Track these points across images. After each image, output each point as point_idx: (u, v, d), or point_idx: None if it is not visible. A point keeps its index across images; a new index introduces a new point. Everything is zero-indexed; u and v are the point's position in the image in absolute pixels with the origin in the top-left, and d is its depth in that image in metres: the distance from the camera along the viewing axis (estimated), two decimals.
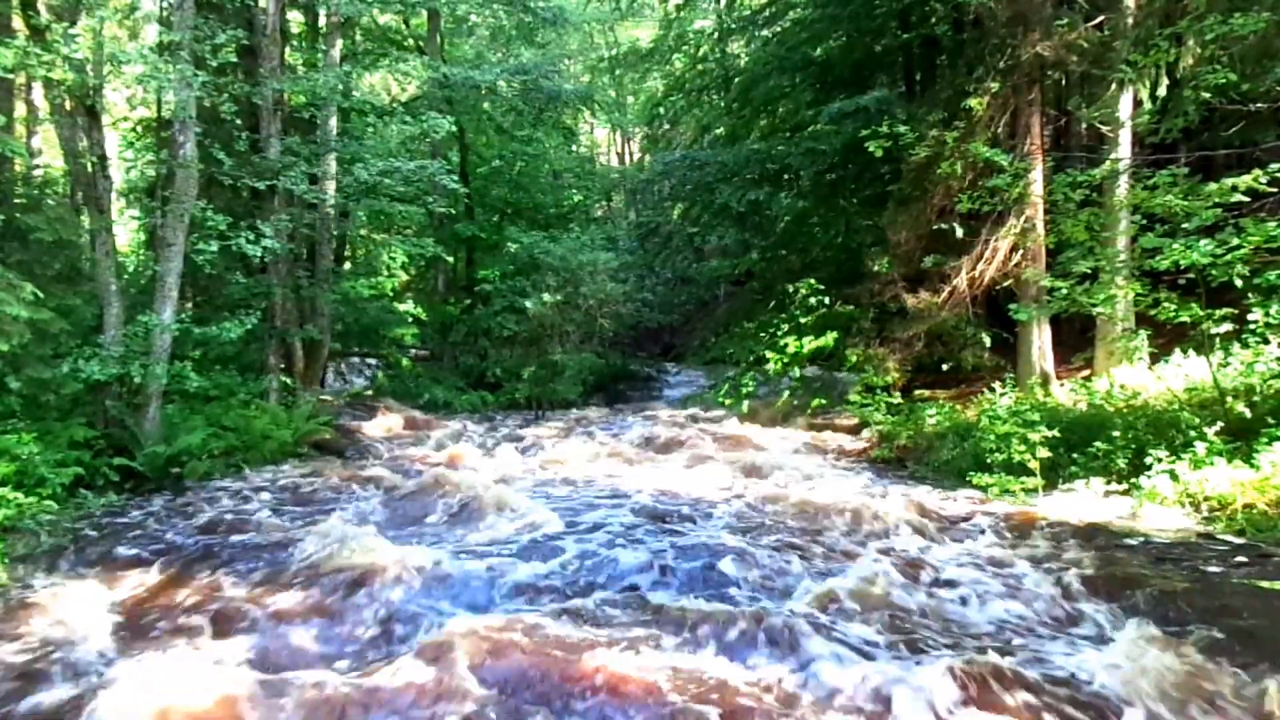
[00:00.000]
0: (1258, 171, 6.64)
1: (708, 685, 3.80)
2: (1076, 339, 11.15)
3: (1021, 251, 10.21)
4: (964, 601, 4.80)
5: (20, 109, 13.85)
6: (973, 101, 10.18)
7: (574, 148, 25.33)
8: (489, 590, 5.25)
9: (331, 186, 12.31)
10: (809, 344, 12.92)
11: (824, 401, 12.77)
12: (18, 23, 8.38)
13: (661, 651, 4.12)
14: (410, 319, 19.60)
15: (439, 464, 9.85)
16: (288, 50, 13.54)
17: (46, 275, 8.40)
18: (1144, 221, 7.71)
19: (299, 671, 4.05)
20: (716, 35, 24.17)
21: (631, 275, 20.31)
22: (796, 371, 13.31)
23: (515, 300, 16.19)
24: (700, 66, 24.72)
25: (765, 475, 8.92)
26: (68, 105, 8.79)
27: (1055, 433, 7.47)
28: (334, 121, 12.78)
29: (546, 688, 3.76)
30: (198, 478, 8.70)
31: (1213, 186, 6.93)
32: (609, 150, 35.71)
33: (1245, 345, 7.50)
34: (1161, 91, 8.62)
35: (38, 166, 13.25)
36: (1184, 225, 7.06)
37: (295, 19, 15.29)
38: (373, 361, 18.58)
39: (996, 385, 9.91)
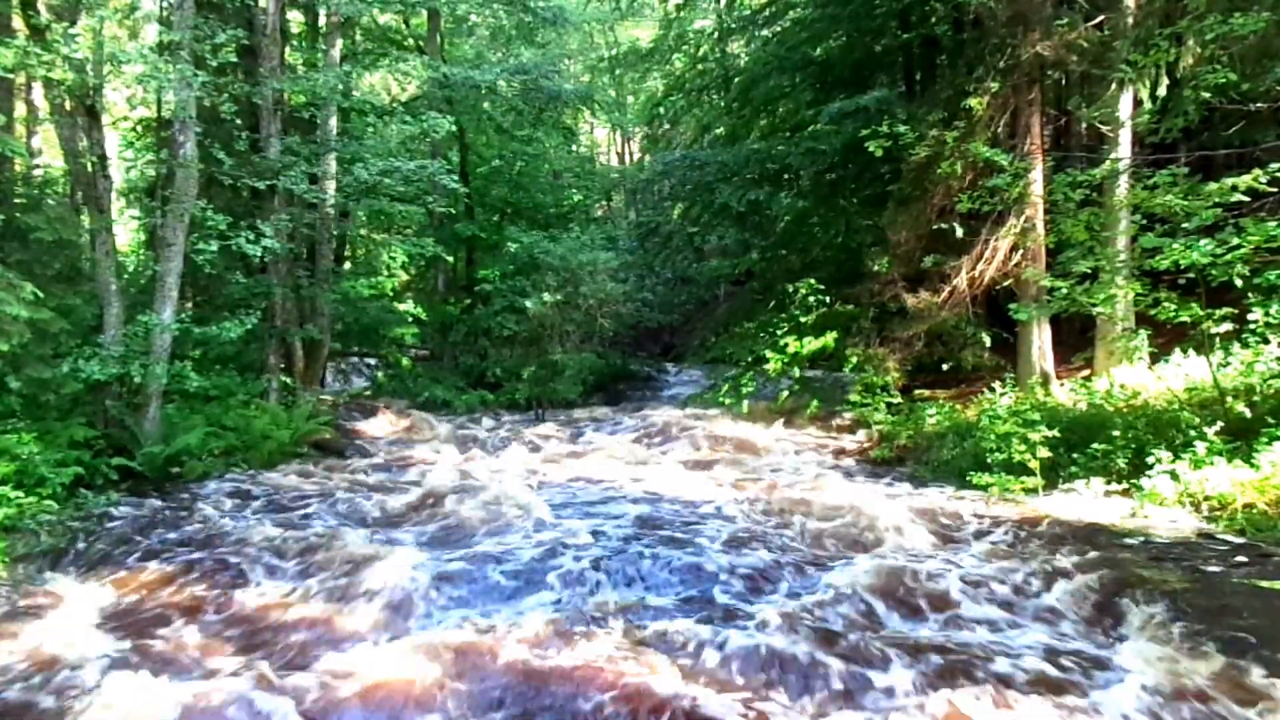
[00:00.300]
0: (1258, 171, 6.63)
1: (708, 685, 3.80)
2: (1076, 339, 11.15)
3: (1021, 251, 10.21)
4: (963, 601, 4.80)
5: (20, 109, 13.84)
6: (973, 101, 10.18)
7: (574, 148, 25.31)
8: (488, 590, 5.25)
9: (331, 186, 12.31)
10: (809, 344, 12.91)
11: (823, 401, 12.76)
12: (18, 23, 8.37)
13: (661, 652, 4.12)
14: (410, 319, 19.59)
15: (438, 464, 9.85)
16: (288, 50, 13.53)
17: (46, 275, 8.39)
18: (1144, 221, 7.71)
19: (298, 671, 4.05)
20: (716, 35, 24.16)
21: (631, 275, 20.28)
22: (796, 371, 13.30)
23: (515, 300, 16.17)
24: (700, 66, 24.70)
25: (765, 475, 8.92)
26: (68, 105, 8.79)
27: (1055, 433, 7.47)
28: (334, 121, 12.78)
29: (546, 688, 3.76)
30: (197, 477, 8.71)
31: (1213, 186, 6.93)
32: (609, 150, 35.70)
33: (1245, 345, 7.49)
34: (1161, 91, 8.62)
35: (38, 166, 13.25)
36: (1184, 225, 7.06)
37: (295, 19, 15.29)
38: (372, 361, 18.57)
39: (996, 385, 9.92)
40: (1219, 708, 3.53)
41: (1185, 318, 7.10)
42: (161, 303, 9.09)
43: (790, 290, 13.71)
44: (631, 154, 33.78)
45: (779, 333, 13.33)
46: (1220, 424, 6.74)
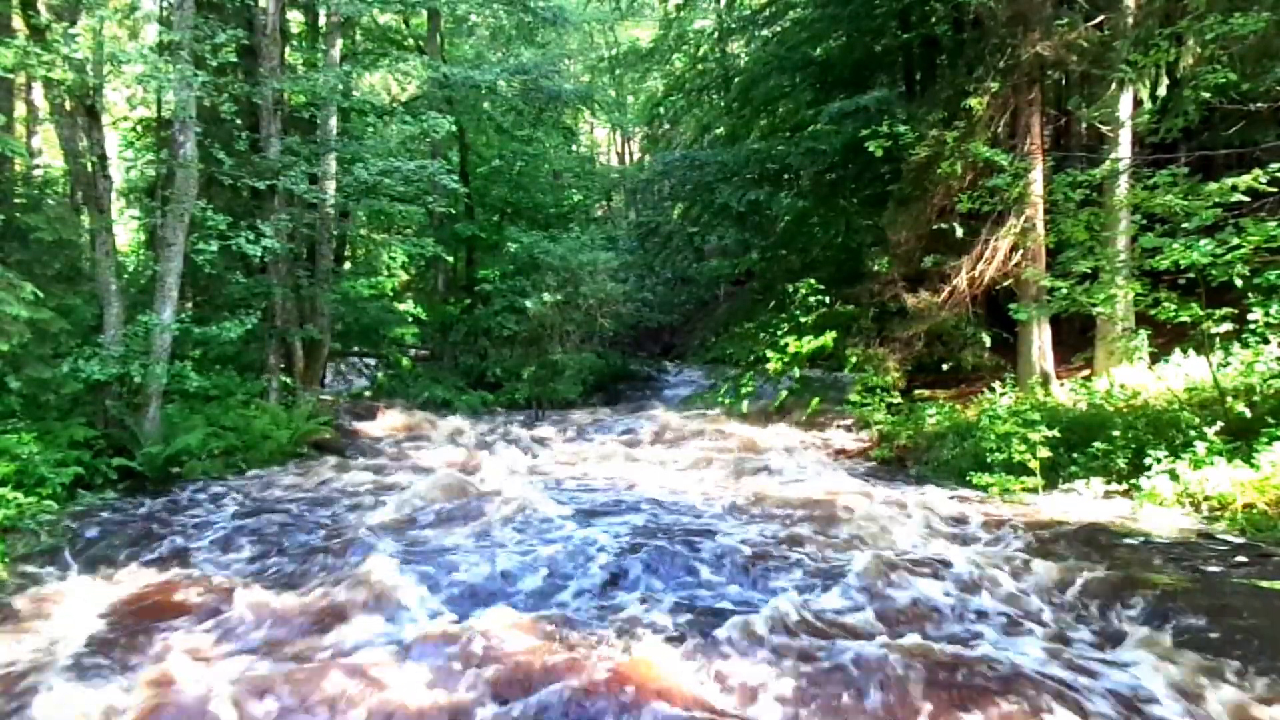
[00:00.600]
0: (1258, 171, 6.64)
1: (709, 686, 3.80)
2: (1076, 339, 11.15)
3: (1021, 251, 10.21)
4: (963, 601, 4.80)
5: (20, 109, 13.85)
6: (973, 101, 10.18)
7: (574, 148, 25.29)
8: (488, 591, 5.25)
9: (331, 186, 12.31)
10: (809, 344, 12.91)
11: (824, 401, 12.76)
12: (18, 23, 8.38)
13: (662, 652, 4.12)
14: (410, 319, 19.57)
15: (438, 464, 9.85)
16: (288, 50, 13.53)
17: (46, 275, 8.40)
18: (1144, 221, 7.71)
19: (297, 672, 4.04)
20: (716, 35, 24.16)
21: (631, 275, 20.29)
22: (796, 371, 13.30)
23: (515, 300, 16.17)
24: (700, 66, 24.70)
25: (765, 475, 8.92)
26: (68, 105, 8.79)
27: (1055, 432, 7.47)
28: (334, 121, 12.77)
29: (546, 688, 3.76)
30: (197, 477, 8.71)
31: (1213, 186, 6.93)
32: (609, 150, 35.70)
33: (1245, 345, 7.50)
34: (1161, 91, 8.62)
35: (38, 166, 13.25)
36: (1184, 225, 7.06)
37: (295, 19, 15.28)
38: (372, 361, 18.57)
39: (996, 385, 9.92)
40: (1219, 708, 3.53)
41: (1185, 318, 7.10)
42: (161, 303, 9.09)
43: (790, 290, 13.71)
44: (631, 154, 33.78)
45: (779, 333, 13.33)
46: (1220, 424, 6.75)
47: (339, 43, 13.10)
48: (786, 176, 18.03)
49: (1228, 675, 3.69)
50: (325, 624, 4.75)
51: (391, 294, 20.09)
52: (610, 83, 29.48)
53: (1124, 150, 9.52)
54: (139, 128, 15.19)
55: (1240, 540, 5.58)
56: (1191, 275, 7.01)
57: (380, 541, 6.22)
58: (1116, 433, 7.31)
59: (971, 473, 7.83)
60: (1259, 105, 8.47)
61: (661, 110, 26.03)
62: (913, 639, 4.24)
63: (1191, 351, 8.53)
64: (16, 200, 9.07)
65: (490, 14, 17.71)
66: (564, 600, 5.10)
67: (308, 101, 13.40)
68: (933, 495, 7.61)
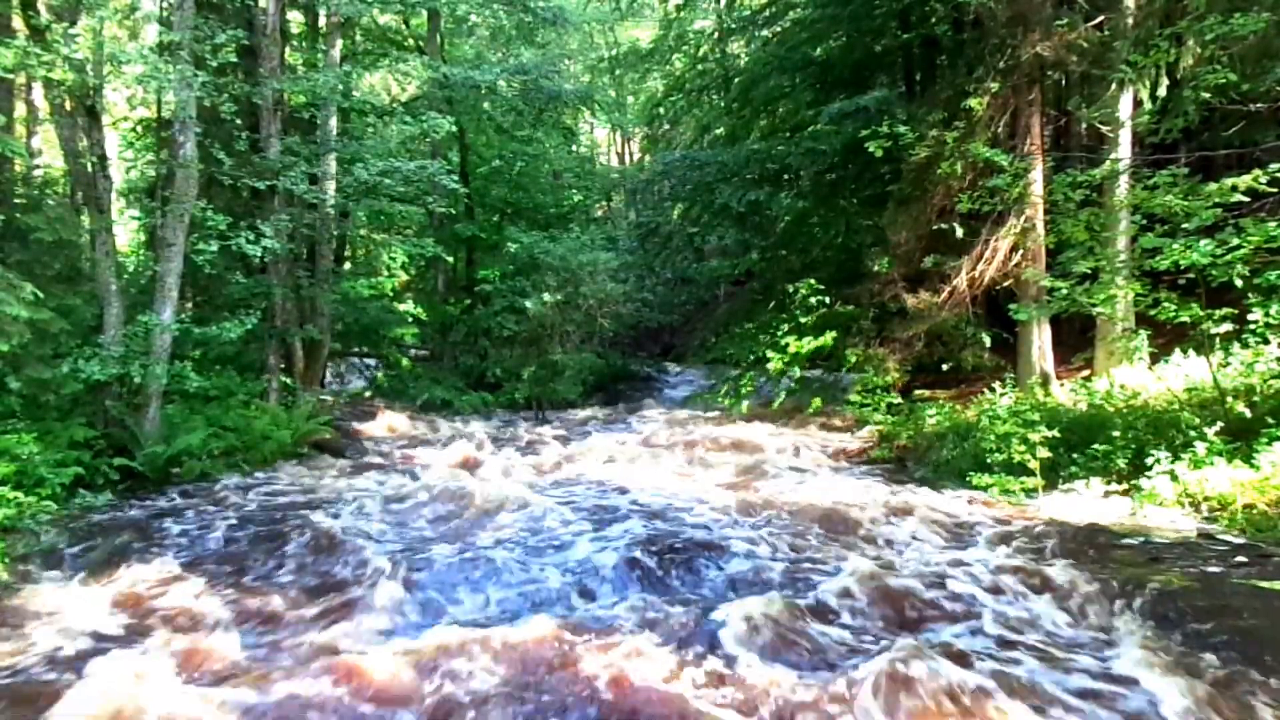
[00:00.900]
0: (1258, 171, 6.64)
1: (710, 685, 3.80)
2: (1076, 339, 11.15)
3: (1021, 251, 10.21)
4: (962, 601, 4.80)
5: (20, 109, 13.84)
6: (973, 101, 10.18)
7: (574, 148, 25.31)
8: (488, 591, 5.25)
9: (331, 186, 12.31)
10: (809, 344, 12.90)
11: (824, 402, 12.76)
12: (18, 23, 8.37)
13: (660, 653, 4.12)
14: (410, 319, 19.59)
15: (438, 464, 9.85)
16: (288, 50, 13.53)
17: (46, 275, 8.40)
18: (1144, 221, 7.71)
19: (296, 673, 4.04)
20: (716, 35, 24.16)
21: (631, 275, 20.28)
22: (796, 371, 13.29)
23: (515, 300, 16.17)
24: (700, 66, 24.70)
25: (765, 475, 8.92)
26: (68, 105, 8.79)
27: (1055, 433, 7.46)
28: (334, 121, 12.77)
29: (546, 690, 3.76)
30: (197, 478, 8.71)
31: (1213, 186, 6.93)
32: (609, 150, 35.70)
33: (1245, 345, 7.49)
34: (1161, 91, 8.62)
35: (38, 166, 13.25)
36: (1184, 225, 7.06)
37: (295, 19, 15.27)
38: (372, 361, 18.57)
39: (996, 385, 9.91)
40: (1219, 708, 3.52)
41: (1185, 318, 7.10)
42: (161, 303, 9.09)
43: (790, 290, 13.69)
44: (631, 154, 33.78)
45: (779, 333, 13.33)
46: (1220, 424, 6.74)
47: (339, 43, 13.11)
48: (786, 177, 18.02)
49: (1228, 676, 3.69)
50: (325, 625, 4.75)
51: (391, 294, 20.10)
52: (610, 83, 29.48)
53: (1124, 150, 9.52)
54: (139, 128, 15.19)
55: (1240, 540, 5.57)
56: (1191, 275, 7.00)
57: (380, 543, 6.22)
58: (1116, 433, 7.31)
59: (971, 473, 7.82)
60: (1259, 105, 8.47)
61: (661, 110, 26.02)
62: (910, 638, 4.24)
63: (1191, 352, 8.52)
64: (16, 200, 9.07)
65: (490, 14, 17.70)
66: (563, 601, 5.10)
67: (308, 102, 13.39)
68: (932, 496, 7.60)
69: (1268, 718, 3.45)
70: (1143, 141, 9.86)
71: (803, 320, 13.11)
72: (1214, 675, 3.70)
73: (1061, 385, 9.93)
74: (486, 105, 18.48)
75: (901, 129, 10.26)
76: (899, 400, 11.17)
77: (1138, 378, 8.71)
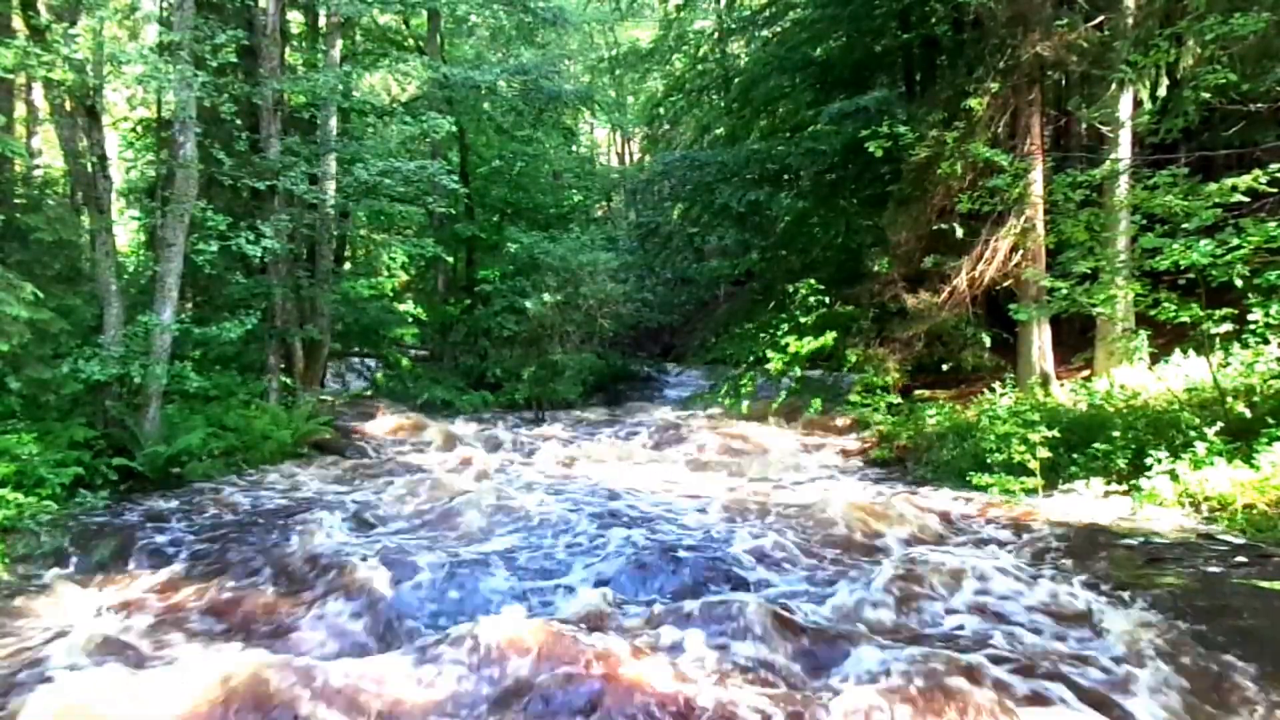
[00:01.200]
0: (1258, 171, 6.64)
1: (709, 686, 3.80)
2: (1076, 339, 11.14)
3: (1021, 251, 10.21)
4: (961, 601, 4.80)
5: (20, 109, 13.84)
6: (973, 101, 10.18)
7: (574, 148, 25.29)
8: (488, 591, 5.25)
9: (331, 186, 12.30)
10: (809, 344, 12.89)
11: (824, 402, 12.75)
12: (18, 23, 8.37)
13: (663, 652, 4.12)
14: (410, 319, 19.58)
15: (438, 465, 9.85)
16: (288, 50, 13.53)
17: (46, 275, 8.39)
18: (1144, 221, 7.70)
19: (296, 673, 4.04)
20: (716, 35, 24.16)
21: (631, 275, 20.26)
22: (796, 371, 13.29)
23: (515, 300, 16.16)
24: (700, 66, 24.70)
25: (765, 476, 8.93)
26: (68, 105, 8.78)
27: (1055, 433, 7.46)
28: (334, 121, 12.77)
29: (545, 691, 3.76)
30: (197, 478, 8.70)
31: (1213, 186, 6.93)
32: (609, 150, 35.69)
33: (1245, 345, 7.49)
34: (1161, 91, 8.61)
35: (38, 166, 13.25)
36: (1184, 225, 7.06)
37: (295, 19, 15.27)
38: (372, 361, 18.56)
39: (996, 385, 9.91)
40: (1219, 708, 3.53)
41: (1185, 318, 7.10)
42: (161, 303, 9.09)
43: (790, 290, 13.69)
44: (631, 154, 33.77)
45: (779, 333, 13.32)
46: (1220, 424, 6.74)
47: (339, 43, 13.10)
48: (786, 177, 18.01)
49: (1228, 676, 3.69)
50: (326, 625, 4.75)
51: (391, 294, 20.11)
52: (610, 83, 29.48)
53: (1124, 150, 9.52)
54: (139, 128, 15.18)
55: (1240, 540, 5.57)
56: (1191, 275, 7.00)
57: (379, 543, 6.22)
58: (1116, 433, 7.31)
59: (971, 473, 7.82)
60: (1259, 105, 8.47)
61: (661, 111, 26.02)
62: (909, 639, 4.24)
63: (1191, 352, 8.52)
64: (16, 200, 9.06)
65: (490, 14, 17.69)
66: (563, 602, 5.10)
67: (308, 102, 13.39)
68: (932, 496, 7.61)
69: (1268, 717, 3.45)
70: (1143, 141, 9.86)
71: (803, 320, 13.11)
72: (1214, 675, 3.70)
73: (1061, 385, 9.93)
74: (486, 105, 18.47)
75: (901, 129, 10.26)
76: (899, 400, 11.17)
77: (1138, 378, 8.71)
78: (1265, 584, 4.62)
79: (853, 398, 11.72)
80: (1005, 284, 10.56)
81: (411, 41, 18.83)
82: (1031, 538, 5.96)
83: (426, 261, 18.10)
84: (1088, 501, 6.84)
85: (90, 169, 8.88)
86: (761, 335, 13.81)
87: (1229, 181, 6.82)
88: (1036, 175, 9.99)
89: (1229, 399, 6.96)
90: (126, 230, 17.01)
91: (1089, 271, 8.18)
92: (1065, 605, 4.69)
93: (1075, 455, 7.42)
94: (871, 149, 10.43)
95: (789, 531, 6.42)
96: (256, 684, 3.79)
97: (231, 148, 10.06)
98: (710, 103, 24.51)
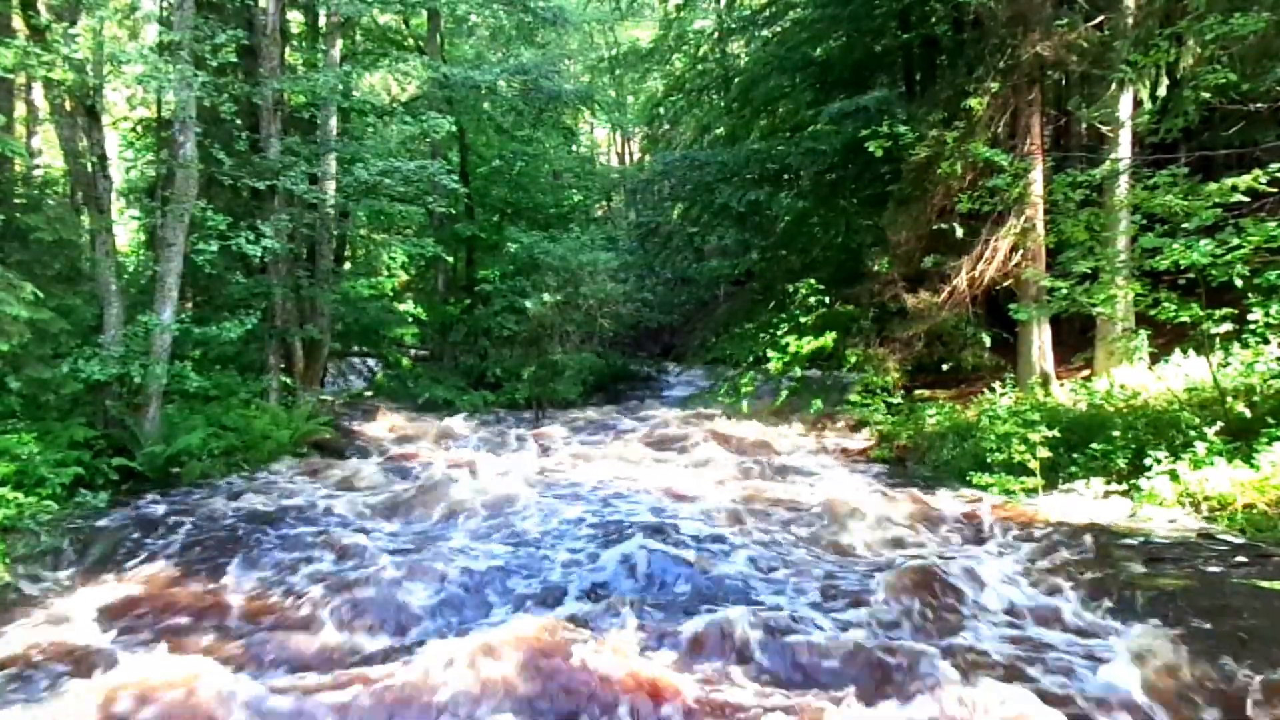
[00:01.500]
0: (1258, 171, 6.64)
1: (708, 686, 3.80)
2: (1076, 339, 11.14)
3: (1021, 251, 10.21)
4: (961, 601, 4.80)
5: (20, 109, 13.84)
6: (973, 101, 10.18)
7: (574, 148, 25.28)
8: (488, 592, 5.25)
9: (331, 186, 12.30)
10: (809, 344, 12.90)
11: (824, 402, 12.76)
12: (18, 23, 8.37)
13: (662, 652, 4.12)
14: (410, 319, 19.58)
15: (438, 464, 9.85)
16: (288, 50, 13.53)
17: (46, 275, 8.39)
18: (1144, 221, 7.71)
19: (296, 673, 4.05)
20: (716, 35, 24.15)
21: (631, 275, 20.26)
22: (797, 371, 13.29)
23: (515, 300, 16.16)
24: (700, 66, 24.70)
25: (765, 475, 8.92)
26: (68, 105, 8.78)
27: (1055, 433, 7.47)
28: (334, 121, 12.77)
29: (545, 692, 3.76)
30: (197, 478, 8.70)
31: (1213, 186, 6.93)
32: (609, 150, 35.68)
33: (1245, 345, 7.49)
34: (1161, 91, 8.61)
35: (38, 166, 13.24)
36: (1184, 225, 7.06)
37: (295, 19, 15.27)
38: (373, 361, 18.56)
39: (996, 385, 9.92)
40: (1219, 708, 3.52)
41: (1185, 318, 7.10)
42: (161, 303, 9.09)
43: (790, 290, 13.70)
44: (631, 154, 33.77)
45: (779, 333, 13.33)
46: (1220, 424, 6.74)
47: (339, 43, 13.10)
48: (786, 176, 18.02)
49: (1227, 675, 3.69)
50: (325, 625, 4.75)
51: (391, 294, 20.11)
52: (610, 83, 29.47)
53: (1124, 150, 9.52)
54: (139, 128, 15.19)
55: (1240, 540, 5.57)
56: (1191, 275, 7.00)
57: (378, 543, 6.22)
58: (1116, 433, 7.31)
59: (971, 473, 7.83)
60: (1259, 105, 8.47)
61: (661, 110, 26.01)
62: (907, 638, 4.24)
63: (1191, 351, 8.52)
64: (16, 200, 9.06)
65: (490, 14, 17.69)
66: (562, 602, 5.10)
67: (308, 101, 13.39)
68: (932, 496, 7.60)
69: (1267, 717, 3.45)
70: (1143, 141, 9.86)
71: (803, 320, 13.12)
72: (1214, 675, 3.70)
73: (1061, 385, 9.93)
74: (486, 105, 18.48)
75: (901, 129, 10.26)
76: (899, 400, 11.17)
77: (1138, 378, 8.71)
78: (1265, 584, 4.62)
79: (853, 398, 11.72)
80: (1005, 284, 10.57)
81: (411, 41, 18.83)
82: (1031, 538, 5.96)
83: (426, 261, 18.10)
84: (1088, 501, 6.84)
85: (90, 169, 8.89)
86: (761, 335, 13.82)
87: (1229, 181, 6.82)
88: (1036, 175, 9.99)
89: (1229, 399, 6.96)
90: (126, 230, 17.01)
91: (1089, 271, 8.18)
92: (1065, 605, 4.69)
93: (1075, 455, 7.43)
94: (871, 149, 10.43)
95: (788, 532, 6.42)
96: (246, 683, 3.79)
97: (231, 148, 10.06)
98: (710, 103, 24.51)
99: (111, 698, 3.67)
